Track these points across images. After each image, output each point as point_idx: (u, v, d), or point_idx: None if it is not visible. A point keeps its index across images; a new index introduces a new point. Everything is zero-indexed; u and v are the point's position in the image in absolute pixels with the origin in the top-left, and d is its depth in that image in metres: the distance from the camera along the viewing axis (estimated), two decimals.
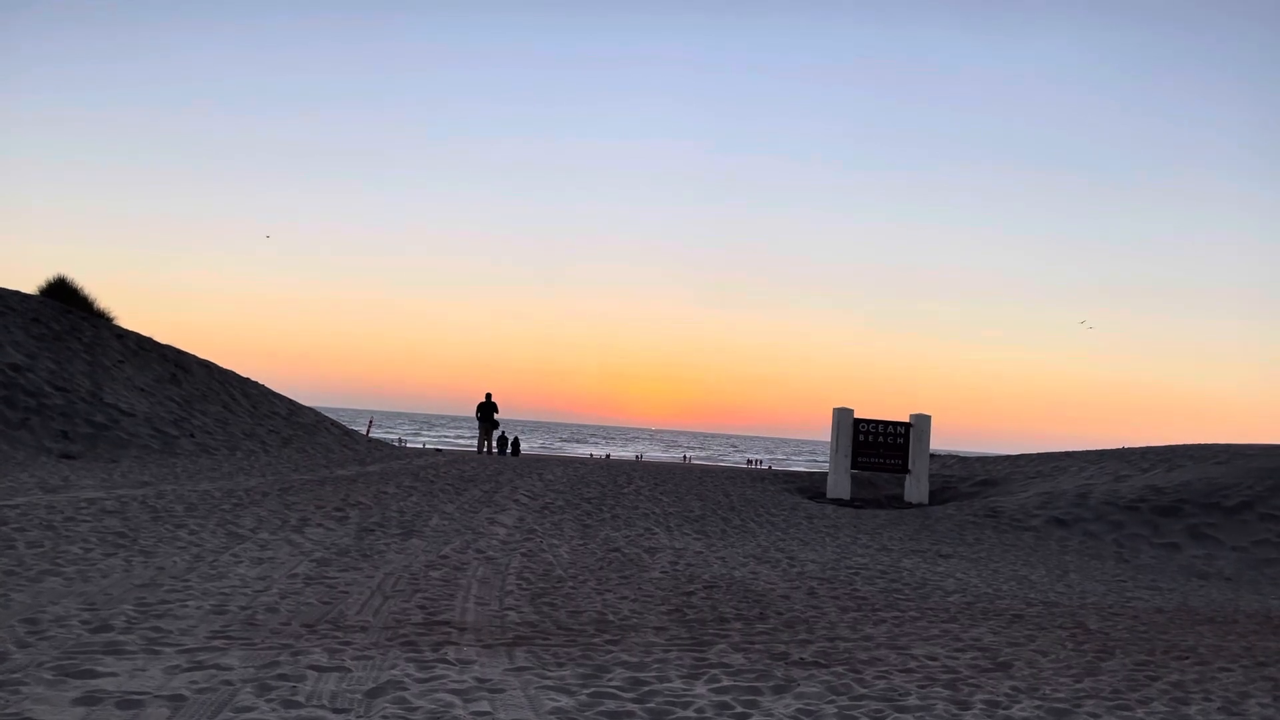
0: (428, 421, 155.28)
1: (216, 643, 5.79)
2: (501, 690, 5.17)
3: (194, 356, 26.07)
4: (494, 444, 31.06)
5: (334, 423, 28.63)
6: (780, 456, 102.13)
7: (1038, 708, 5.61)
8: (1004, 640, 7.75)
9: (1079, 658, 7.26)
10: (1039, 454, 26.06)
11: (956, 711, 5.39)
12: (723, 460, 78.89)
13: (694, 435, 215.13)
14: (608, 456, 56.93)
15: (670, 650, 6.51)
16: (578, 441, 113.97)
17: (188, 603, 6.89)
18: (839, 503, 20.73)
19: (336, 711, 4.59)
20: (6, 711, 4.26)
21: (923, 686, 5.95)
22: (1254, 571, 14.11)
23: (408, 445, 49.23)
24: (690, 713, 5.01)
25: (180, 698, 4.63)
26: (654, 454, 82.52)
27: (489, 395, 30.21)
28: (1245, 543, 15.24)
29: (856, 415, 21.81)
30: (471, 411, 30.91)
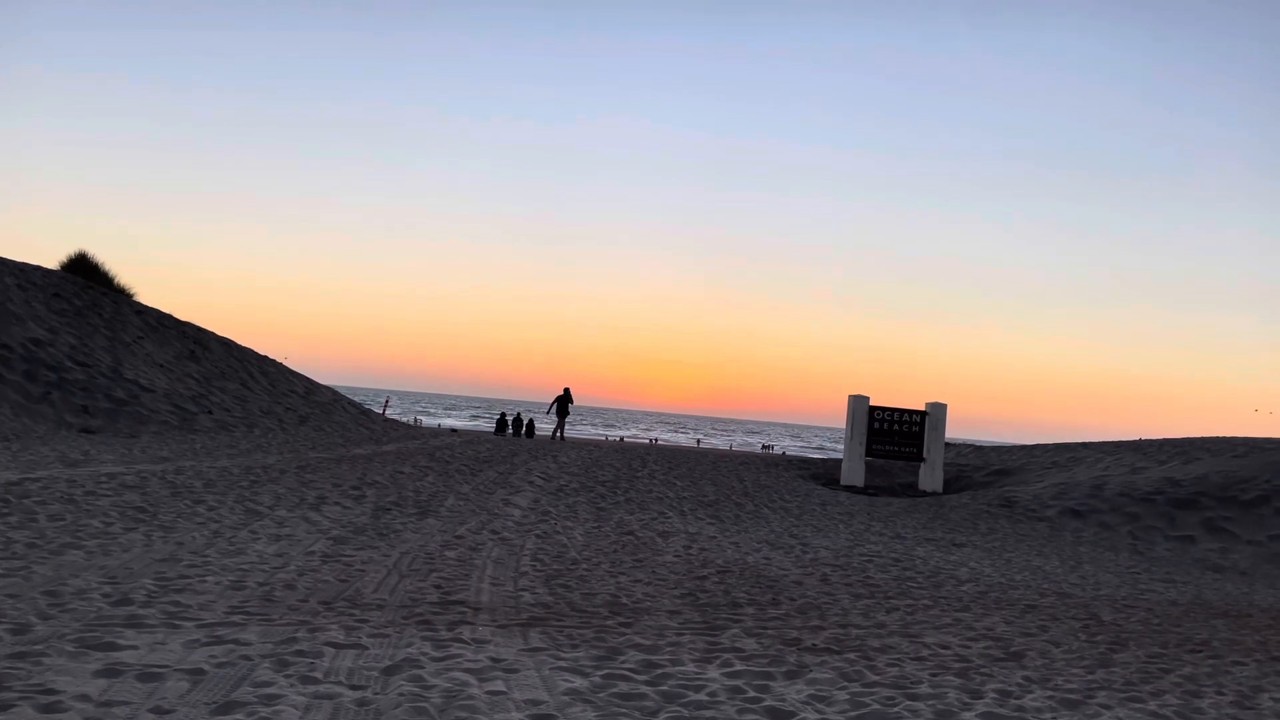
0: (443, 402, 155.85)
1: (235, 618, 5.86)
2: (516, 670, 5.22)
3: (213, 334, 26.23)
4: (562, 431, 32.21)
5: (350, 402, 28.77)
6: (797, 442, 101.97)
7: (1050, 698, 5.61)
8: (1017, 630, 7.75)
9: (1092, 649, 7.25)
10: (1055, 444, 25.98)
11: (968, 700, 5.40)
12: (709, 441, 79.01)
13: (709, 420, 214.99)
14: (621, 440, 57.05)
15: (683, 634, 6.54)
16: (591, 425, 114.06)
17: (206, 578, 6.97)
18: (853, 490, 20.72)
19: (354, 688, 4.65)
20: (29, 682, 4.33)
21: (935, 675, 5.96)
22: (1269, 565, 14.03)
23: (422, 424, 49.44)
24: (703, 696, 5.03)
25: (200, 671, 4.69)
26: (668, 438, 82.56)
27: (567, 390, 32.06)
28: (1261, 537, 15.16)
29: (872, 403, 21.76)
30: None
